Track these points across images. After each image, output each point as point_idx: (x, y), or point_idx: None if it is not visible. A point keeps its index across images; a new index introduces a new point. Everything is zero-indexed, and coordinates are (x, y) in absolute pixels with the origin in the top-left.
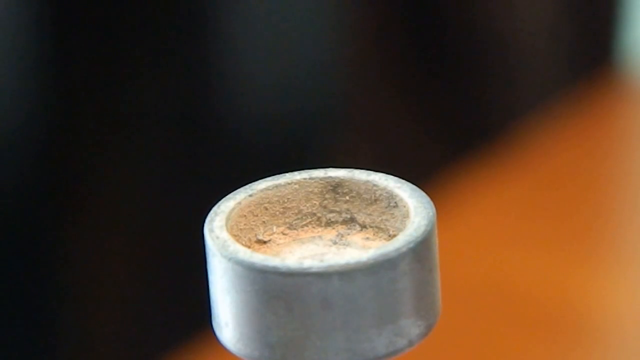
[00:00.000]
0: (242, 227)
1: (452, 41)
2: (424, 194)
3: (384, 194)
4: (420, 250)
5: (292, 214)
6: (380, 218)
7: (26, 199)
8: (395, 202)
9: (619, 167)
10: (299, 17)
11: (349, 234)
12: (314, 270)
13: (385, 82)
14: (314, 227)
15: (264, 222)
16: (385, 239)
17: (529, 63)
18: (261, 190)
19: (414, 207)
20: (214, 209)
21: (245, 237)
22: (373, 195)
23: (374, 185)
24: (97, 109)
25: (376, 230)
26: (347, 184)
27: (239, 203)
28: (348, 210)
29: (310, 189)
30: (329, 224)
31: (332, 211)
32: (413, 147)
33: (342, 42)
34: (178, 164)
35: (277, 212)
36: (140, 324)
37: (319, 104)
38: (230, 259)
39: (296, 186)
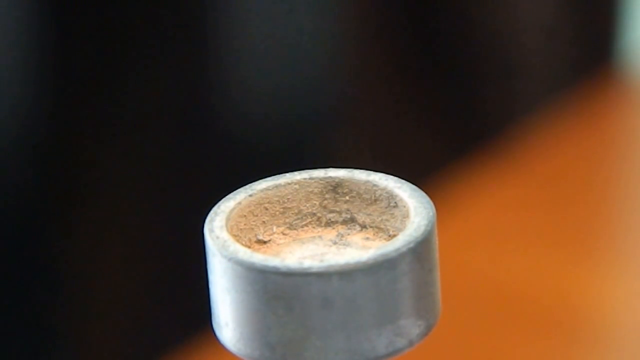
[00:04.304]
0: (242, 227)
1: (451, 41)
2: (424, 194)
3: (384, 194)
4: (420, 250)
5: (292, 214)
6: (380, 218)
7: (26, 199)
8: (395, 202)
9: (619, 166)
10: (299, 18)
11: (349, 234)
12: (314, 270)
13: (385, 82)
14: (314, 227)
15: (264, 222)
16: (385, 239)
17: (529, 63)
18: (261, 190)
19: (414, 207)
20: (214, 209)
21: (245, 237)
22: (373, 195)
23: (374, 185)
24: (97, 109)
25: (376, 230)
26: (347, 184)
27: (239, 203)
28: (348, 210)
29: (310, 189)
30: (329, 224)
31: (332, 211)
32: (413, 147)
33: (342, 42)
34: (178, 164)
35: (277, 212)
36: (140, 324)
37: (319, 104)
38: (230, 259)
39: (296, 186)
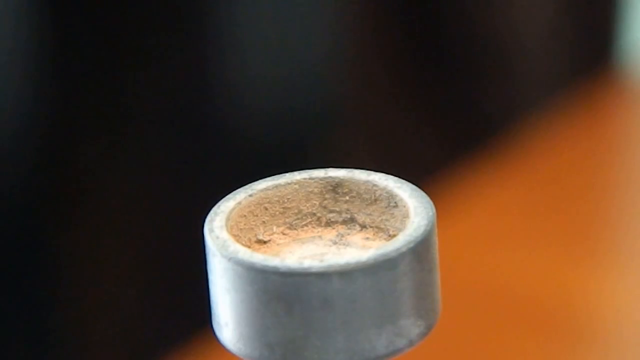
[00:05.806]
0: (242, 227)
1: (452, 41)
2: (424, 194)
3: (384, 194)
4: (420, 250)
5: (292, 214)
6: (380, 218)
7: (26, 200)
8: (395, 202)
9: (619, 166)
10: (298, 17)
11: (349, 234)
12: (314, 270)
13: (385, 81)
14: (314, 227)
15: (264, 222)
16: (385, 239)
17: (529, 62)
18: (261, 190)
19: (414, 207)
20: (214, 209)
21: (245, 237)
22: (373, 195)
23: (374, 185)
24: (97, 108)
25: (376, 230)
26: (347, 184)
27: (239, 203)
28: (348, 210)
29: (310, 189)
30: (329, 224)
31: (332, 211)
32: (413, 147)
33: (342, 41)
34: (178, 164)
35: (277, 212)
36: (140, 324)
37: (319, 103)
38: (230, 259)
39: (296, 186)
